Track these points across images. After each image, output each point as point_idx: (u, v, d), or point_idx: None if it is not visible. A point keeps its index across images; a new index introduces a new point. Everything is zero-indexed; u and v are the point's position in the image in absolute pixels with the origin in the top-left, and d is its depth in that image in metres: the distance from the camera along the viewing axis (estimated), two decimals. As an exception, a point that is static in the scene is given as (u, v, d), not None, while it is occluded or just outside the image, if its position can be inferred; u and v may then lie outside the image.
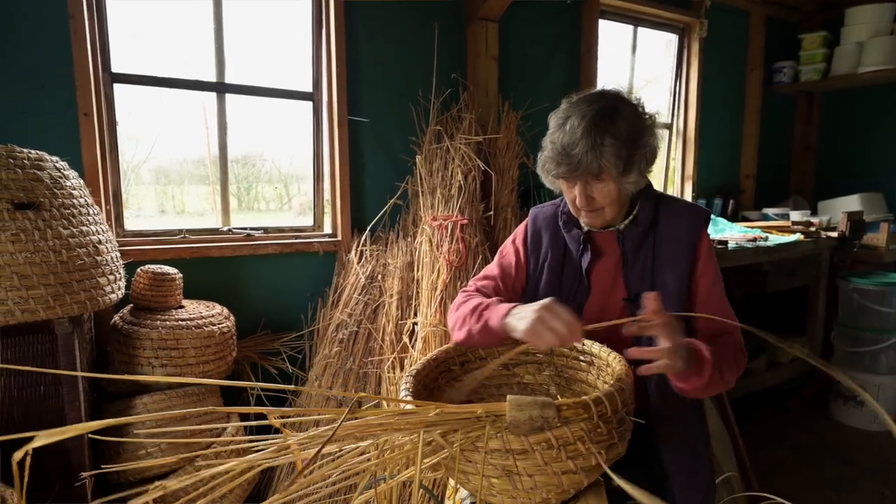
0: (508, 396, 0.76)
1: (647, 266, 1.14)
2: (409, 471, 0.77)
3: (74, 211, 1.33)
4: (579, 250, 1.18)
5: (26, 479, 0.57)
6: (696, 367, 0.96)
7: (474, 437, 0.76)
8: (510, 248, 1.29)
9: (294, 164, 2.30)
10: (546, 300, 0.96)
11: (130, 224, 1.93)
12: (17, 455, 0.53)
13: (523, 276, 1.26)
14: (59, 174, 1.34)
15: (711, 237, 1.31)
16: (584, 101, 1.09)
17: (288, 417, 0.66)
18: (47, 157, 1.35)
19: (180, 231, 1.97)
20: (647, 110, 1.12)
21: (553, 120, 1.12)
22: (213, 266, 1.94)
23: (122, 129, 1.88)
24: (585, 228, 1.20)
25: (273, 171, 2.29)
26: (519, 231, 1.31)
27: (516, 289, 1.27)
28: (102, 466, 1.26)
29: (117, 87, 1.83)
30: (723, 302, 1.12)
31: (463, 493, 1.05)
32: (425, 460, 0.76)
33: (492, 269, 1.29)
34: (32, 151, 1.32)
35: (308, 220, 2.25)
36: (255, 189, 2.31)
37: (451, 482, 1.16)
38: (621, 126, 1.05)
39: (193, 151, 2.11)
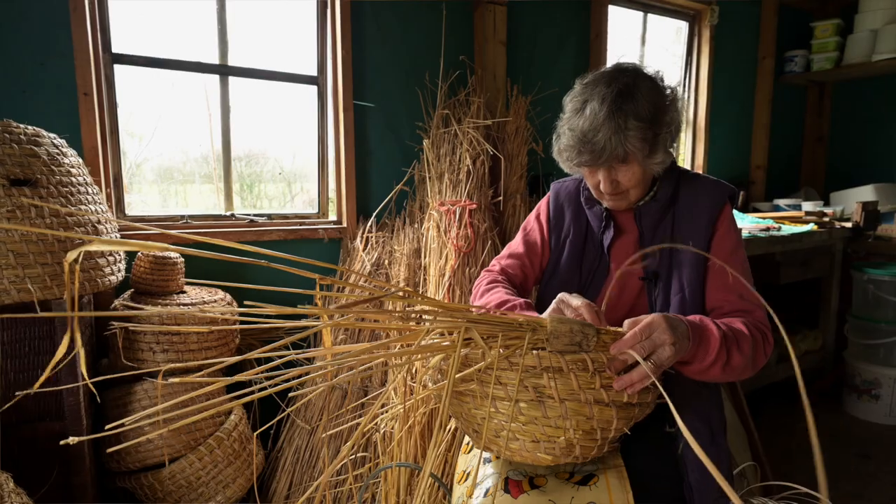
0: (548, 314, 0.79)
1: (664, 243, 1.10)
2: (439, 385, 0.76)
3: (73, 189, 1.29)
4: (601, 227, 1.14)
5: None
6: (700, 346, 0.89)
7: (513, 348, 0.75)
8: (534, 225, 1.26)
9: (297, 161, 2.26)
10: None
11: (132, 210, 1.89)
12: (71, 255, 0.50)
13: (547, 253, 1.23)
14: (56, 151, 1.30)
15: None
16: (602, 82, 1.03)
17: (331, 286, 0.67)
18: (44, 133, 1.31)
19: (182, 217, 1.93)
20: (666, 83, 1.07)
21: (569, 104, 1.06)
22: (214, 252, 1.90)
23: (125, 121, 1.84)
24: (606, 205, 1.16)
25: (276, 170, 2.24)
26: (542, 206, 1.27)
27: (542, 266, 1.24)
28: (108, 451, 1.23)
29: (118, 68, 1.79)
30: (740, 278, 1.06)
31: (478, 476, 1.00)
32: (457, 375, 0.75)
33: (517, 246, 1.25)
34: (29, 127, 1.28)
35: (313, 207, 2.21)
36: (258, 187, 2.26)
37: (461, 465, 1.12)
38: (643, 105, 0.99)
39: (196, 137, 2.06)
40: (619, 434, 0.84)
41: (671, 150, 1.08)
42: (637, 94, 1.00)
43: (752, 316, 1.02)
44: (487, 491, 0.93)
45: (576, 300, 0.92)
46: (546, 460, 0.82)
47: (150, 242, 0.55)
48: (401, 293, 0.72)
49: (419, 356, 0.77)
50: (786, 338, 0.52)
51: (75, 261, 1.26)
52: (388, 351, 0.74)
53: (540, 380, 0.75)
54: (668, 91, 1.06)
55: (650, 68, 1.08)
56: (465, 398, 0.83)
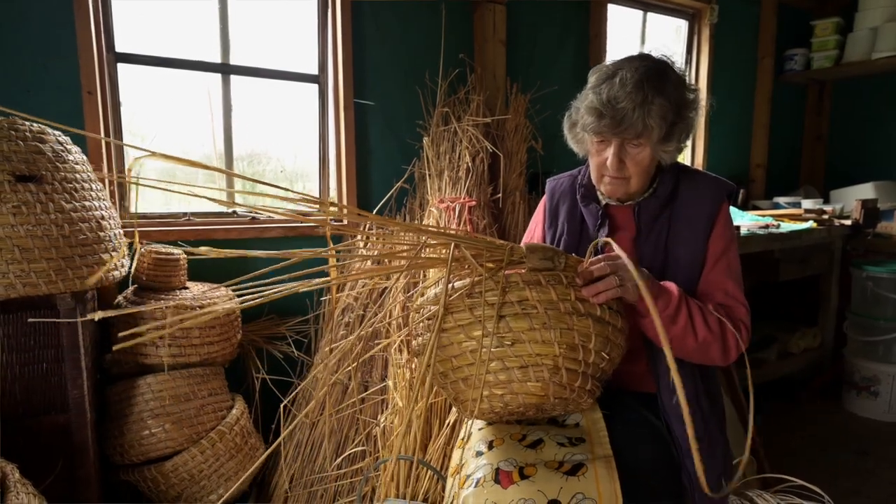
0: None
1: (660, 240, 1.11)
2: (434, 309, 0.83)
3: (77, 185, 1.31)
4: (596, 225, 1.15)
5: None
6: (661, 296, 0.96)
7: (496, 265, 0.87)
8: (533, 230, 1.29)
9: (298, 161, 2.27)
10: None
11: (135, 208, 1.91)
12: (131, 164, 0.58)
13: None
14: (61, 148, 1.32)
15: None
16: (636, 59, 1.05)
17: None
18: (49, 130, 1.33)
19: (185, 214, 1.95)
20: (691, 85, 1.09)
21: (595, 75, 1.08)
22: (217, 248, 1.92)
23: (128, 120, 1.86)
24: (604, 202, 1.16)
25: (278, 170, 2.26)
26: (539, 211, 1.30)
27: None
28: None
29: (121, 66, 1.81)
30: (727, 277, 1.07)
31: (470, 467, 1.01)
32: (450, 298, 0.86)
33: None
34: (34, 124, 1.30)
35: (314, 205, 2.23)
36: (260, 187, 2.28)
37: (455, 458, 1.13)
38: (671, 90, 1.02)
39: (198, 137, 2.08)
40: (600, 368, 0.89)
41: (682, 147, 1.09)
42: (667, 78, 1.03)
43: (731, 311, 1.04)
44: (478, 481, 0.94)
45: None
46: (536, 390, 0.85)
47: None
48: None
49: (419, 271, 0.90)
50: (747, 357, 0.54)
51: (80, 256, 1.28)
52: (406, 264, 0.88)
53: (523, 292, 0.84)
54: (692, 93, 1.08)
55: (678, 66, 1.09)
56: (452, 337, 0.88)
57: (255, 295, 0.79)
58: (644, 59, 1.05)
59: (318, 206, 1.09)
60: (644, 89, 0.99)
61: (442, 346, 0.89)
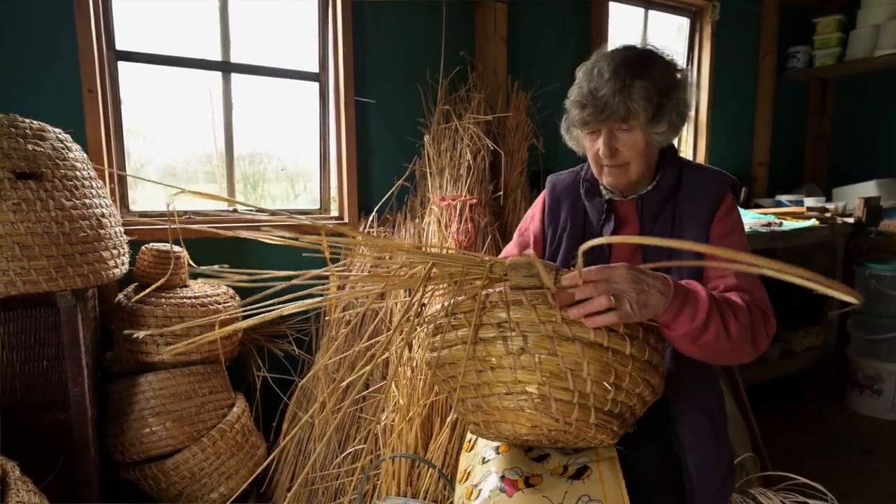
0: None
1: (665, 233, 1.10)
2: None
3: (77, 183, 1.31)
4: (601, 220, 1.14)
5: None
6: (686, 305, 0.84)
7: (473, 287, 0.81)
8: (529, 224, 1.27)
9: (300, 161, 2.28)
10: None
11: (136, 206, 1.91)
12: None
13: (540, 248, 1.23)
14: (61, 145, 1.32)
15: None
16: (616, 50, 1.06)
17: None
18: (49, 128, 1.33)
19: (185, 212, 1.95)
20: (679, 67, 1.08)
21: (581, 71, 1.08)
22: (218, 247, 1.92)
23: (129, 120, 1.86)
24: (607, 196, 1.16)
25: (279, 169, 2.26)
26: (536, 206, 1.27)
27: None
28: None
29: (122, 65, 1.81)
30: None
31: (477, 476, 1.00)
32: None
33: (510, 248, 1.25)
34: (34, 122, 1.30)
35: (315, 204, 2.23)
36: (261, 187, 2.29)
37: (462, 463, 1.12)
38: (653, 73, 1.02)
39: (199, 136, 2.08)
40: (609, 401, 0.78)
41: (677, 128, 1.08)
42: (647, 64, 1.03)
43: (750, 295, 0.99)
44: (483, 491, 0.93)
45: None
46: (524, 420, 0.79)
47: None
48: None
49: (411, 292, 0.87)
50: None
51: (81, 254, 1.28)
52: (382, 285, 0.88)
53: (501, 313, 0.77)
54: (679, 74, 1.07)
55: (666, 52, 1.09)
56: (443, 358, 0.86)
57: (262, 307, 0.79)
58: (626, 49, 1.06)
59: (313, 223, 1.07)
60: (621, 74, 1.00)
61: (441, 366, 0.87)
